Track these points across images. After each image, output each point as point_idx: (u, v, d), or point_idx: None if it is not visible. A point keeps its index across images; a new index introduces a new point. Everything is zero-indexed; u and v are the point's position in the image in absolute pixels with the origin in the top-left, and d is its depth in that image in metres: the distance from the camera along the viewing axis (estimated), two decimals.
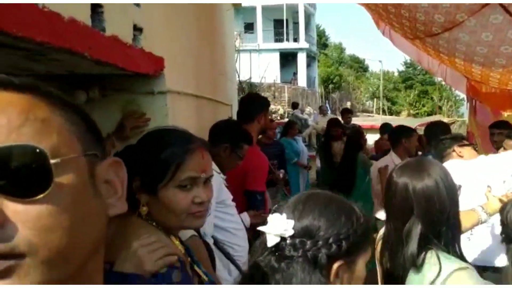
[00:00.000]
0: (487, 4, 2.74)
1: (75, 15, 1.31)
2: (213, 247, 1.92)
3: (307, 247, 0.81)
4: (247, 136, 2.29)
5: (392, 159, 3.43)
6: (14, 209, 0.38)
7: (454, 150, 2.39)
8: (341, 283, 0.84)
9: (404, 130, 3.65)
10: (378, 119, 16.60)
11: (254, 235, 2.49)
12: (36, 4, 1.11)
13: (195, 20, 2.86)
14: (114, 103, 2.08)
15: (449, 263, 1.22)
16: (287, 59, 24.48)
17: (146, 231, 1.01)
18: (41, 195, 0.39)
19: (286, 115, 16.32)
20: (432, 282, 1.19)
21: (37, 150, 0.40)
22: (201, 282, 1.06)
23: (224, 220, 2.05)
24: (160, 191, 1.02)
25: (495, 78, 4.10)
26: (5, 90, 0.43)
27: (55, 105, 0.46)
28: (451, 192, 1.29)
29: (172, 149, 1.04)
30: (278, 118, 16.61)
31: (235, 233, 2.09)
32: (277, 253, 0.84)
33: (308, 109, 15.96)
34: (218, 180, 2.01)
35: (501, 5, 2.71)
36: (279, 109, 18.10)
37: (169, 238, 1.07)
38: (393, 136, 3.70)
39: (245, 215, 2.30)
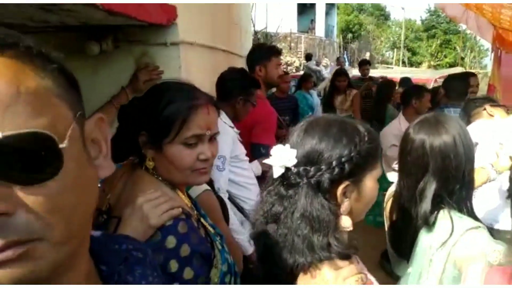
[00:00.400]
0: None
1: None
2: (227, 201, 1.97)
3: (310, 174, 0.83)
4: (255, 80, 2.25)
5: (399, 125, 3.34)
6: (24, 195, 0.37)
7: (485, 109, 2.33)
8: (350, 202, 0.87)
9: (415, 90, 3.55)
10: (397, 71, 16.12)
11: None
12: None
13: None
14: (128, 55, 2.06)
15: (461, 222, 1.22)
16: (305, 6, 23.51)
17: (151, 185, 1.03)
18: (51, 180, 0.38)
19: (301, 67, 15.98)
20: (445, 242, 1.20)
21: (46, 136, 0.38)
22: (207, 234, 1.08)
23: (238, 174, 2.08)
24: (165, 147, 1.02)
25: None
26: None
27: (38, 67, 0.41)
28: (468, 149, 1.27)
29: (177, 104, 1.02)
30: (294, 70, 16.28)
31: (248, 187, 2.13)
32: (284, 182, 0.86)
33: (325, 61, 15.50)
34: (232, 134, 2.02)
35: None
36: (294, 61, 17.68)
37: (175, 192, 1.08)
38: (403, 97, 3.61)
39: (256, 163, 2.32)
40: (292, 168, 0.84)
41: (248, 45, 4.63)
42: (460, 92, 3.12)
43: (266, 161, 0.87)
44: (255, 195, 2.18)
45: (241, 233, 1.94)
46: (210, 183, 1.53)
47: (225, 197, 1.93)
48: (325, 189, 0.83)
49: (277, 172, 0.85)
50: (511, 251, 1.12)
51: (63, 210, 0.40)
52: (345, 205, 0.87)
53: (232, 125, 2.09)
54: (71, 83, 0.46)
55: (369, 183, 0.89)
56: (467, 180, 1.28)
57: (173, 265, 0.92)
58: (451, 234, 1.20)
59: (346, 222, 0.87)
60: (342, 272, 0.82)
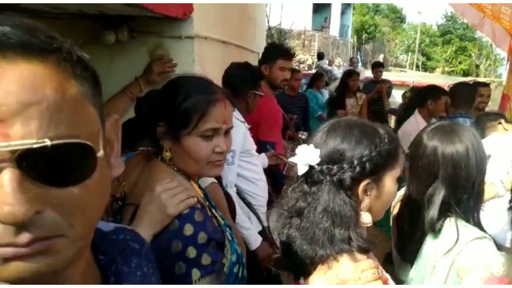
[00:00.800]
0: None
1: None
2: (236, 196, 1.99)
3: (333, 172, 0.88)
4: (259, 71, 2.26)
5: (416, 121, 3.29)
6: (54, 195, 0.39)
7: (500, 123, 2.32)
8: (370, 200, 0.92)
9: (432, 91, 3.46)
10: (411, 75, 15.98)
11: (274, 186, 2.55)
12: None
13: None
14: (143, 45, 2.07)
15: (467, 231, 1.22)
16: (321, 4, 23.36)
17: (168, 175, 1.06)
18: (81, 183, 0.40)
19: (314, 65, 15.91)
20: (449, 250, 1.21)
21: (87, 146, 0.40)
22: (218, 224, 1.11)
23: (247, 169, 2.10)
24: (183, 139, 1.06)
25: None
26: (27, 58, 0.37)
27: (78, 73, 0.42)
28: (480, 160, 1.26)
29: (196, 98, 1.05)
30: (306, 68, 16.21)
31: (256, 183, 2.14)
32: (308, 180, 0.91)
33: (338, 61, 15.43)
34: (243, 129, 2.04)
35: None
36: (307, 59, 17.61)
37: (190, 182, 1.11)
38: (419, 95, 3.53)
39: (263, 156, 2.34)
40: (316, 166, 0.89)
41: (261, 41, 4.63)
42: (467, 100, 3.05)
43: (291, 159, 0.92)
44: (263, 191, 2.20)
45: (248, 228, 1.96)
46: (218, 178, 1.55)
47: (233, 191, 1.95)
48: (347, 186, 0.88)
49: (301, 170, 0.90)
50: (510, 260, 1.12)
51: (86, 210, 0.42)
52: (366, 202, 0.91)
53: (243, 120, 2.11)
54: (99, 87, 0.47)
55: (389, 182, 0.94)
56: (476, 191, 1.28)
57: (192, 252, 0.95)
58: (456, 242, 1.20)
59: (366, 218, 0.92)
60: (361, 264, 0.86)
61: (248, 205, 2.09)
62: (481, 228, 1.27)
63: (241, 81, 2.12)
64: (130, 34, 2.03)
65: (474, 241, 1.19)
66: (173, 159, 1.09)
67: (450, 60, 28.46)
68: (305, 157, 0.89)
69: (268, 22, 11.50)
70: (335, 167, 0.88)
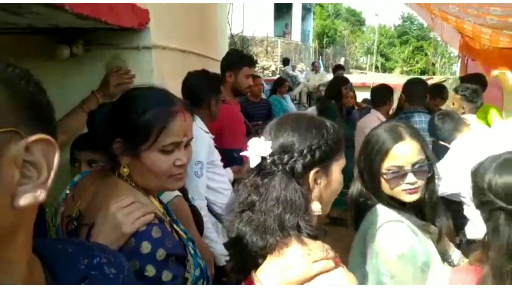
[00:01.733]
0: None
1: None
2: (206, 209, 1.96)
3: (285, 161, 0.93)
4: (218, 76, 2.25)
5: (377, 117, 3.45)
6: None
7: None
8: (319, 188, 0.97)
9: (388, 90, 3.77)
10: (371, 77, 16.48)
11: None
12: None
13: None
14: (99, 58, 2.03)
15: (383, 216, 1.28)
16: (282, 10, 23.70)
17: (124, 192, 1.02)
18: None
19: (278, 71, 16.08)
20: (366, 233, 1.28)
21: None
22: (180, 239, 1.09)
23: (214, 180, 2.08)
24: (143, 154, 1.03)
25: (486, 34, 4.07)
26: None
27: None
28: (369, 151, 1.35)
29: (154, 111, 1.02)
30: (270, 74, 16.35)
31: (224, 193, 2.12)
32: (260, 172, 0.95)
33: (300, 66, 15.70)
34: (207, 140, 2.02)
35: None
36: (271, 65, 17.79)
37: (148, 198, 1.08)
38: (377, 96, 3.75)
39: (229, 171, 2.33)
40: (268, 157, 0.93)
41: (224, 49, 4.63)
42: (420, 96, 3.29)
43: (243, 152, 0.95)
44: None
45: (217, 242, 1.93)
46: (182, 191, 1.52)
47: (204, 204, 1.92)
48: (299, 174, 0.93)
49: (254, 161, 0.94)
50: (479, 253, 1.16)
51: None
52: (316, 191, 0.97)
53: (207, 130, 2.09)
54: (20, 101, 0.43)
55: (336, 171, 1.00)
56: (377, 179, 1.32)
57: (150, 270, 0.92)
58: (372, 225, 1.26)
59: (316, 207, 0.96)
60: (309, 245, 0.89)
61: (218, 217, 2.06)
62: (401, 212, 1.30)
63: (201, 89, 2.09)
64: (85, 47, 1.98)
65: (387, 224, 1.24)
66: (132, 174, 1.05)
67: (408, 60, 29.52)
68: (257, 149, 0.93)
69: (230, 29, 11.52)
70: (286, 156, 0.93)
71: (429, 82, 5.19)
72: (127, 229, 0.94)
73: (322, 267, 0.87)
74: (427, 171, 1.27)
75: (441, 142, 2.50)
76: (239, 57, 2.79)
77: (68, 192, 1.13)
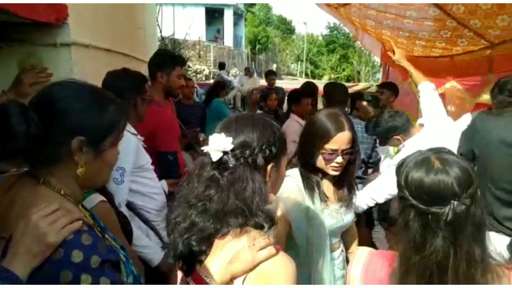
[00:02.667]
0: None
1: None
2: (129, 215, 1.86)
3: (246, 155, 1.00)
4: (143, 76, 2.13)
5: (296, 121, 3.57)
6: None
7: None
8: (271, 181, 1.06)
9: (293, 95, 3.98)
10: (301, 83, 17.12)
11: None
12: None
13: None
14: (11, 55, 1.85)
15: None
16: (214, 16, 23.73)
17: (47, 199, 0.94)
18: None
19: (211, 75, 16.04)
20: None
21: None
22: (110, 246, 1.02)
23: (143, 184, 1.98)
24: (106, 150, 1.02)
25: (403, 44, 4.39)
26: None
27: None
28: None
29: (115, 106, 1.03)
30: (203, 79, 16.26)
31: (154, 197, 2.04)
32: (220, 166, 1.00)
33: (234, 70, 15.77)
34: (135, 143, 1.90)
35: None
36: (204, 69, 17.71)
37: (75, 204, 1.00)
38: (293, 99, 3.91)
39: (164, 183, 2.23)
40: (229, 152, 0.99)
41: (153, 51, 4.50)
42: (340, 101, 3.42)
43: (205, 148, 1.00)
44: (161, 205, 2.09)
45: (145, 246, 1.85)
46: (106, 194, 1.43)
47: (125, 210, 1.82)
48: (261, 166, 1.01)
49: (215, 156, 0.99)
50: None
51: None
52: (269, 184, 1.06)
53: (135, 132, 1.98)
54: None
55: (283, 166, 1.11)
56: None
57: (86, 279, 0.86)
58: None
59: (271, 198, 1.05)
60: (254, 234, 0.96)
61: (146, 221, 1.97)
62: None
63: (125, 88, 1.93)
64: None
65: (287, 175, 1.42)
66: (84, 174, 0.98)
67: (335, 68, 31.03)
68: (219, 144, 0.99)
69: (160, 32, 11.25)
70: (247, 151, 1.00)
71: (354, 89, 5.52)
72: (53, 238, 0.85)
73: (267, 254, 0.93)
74: (350, 156, 1.65)
75: (396, 137, 2.63)
76: (170, 57, 2.69)
77: None
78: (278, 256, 0.95)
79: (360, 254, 1.19)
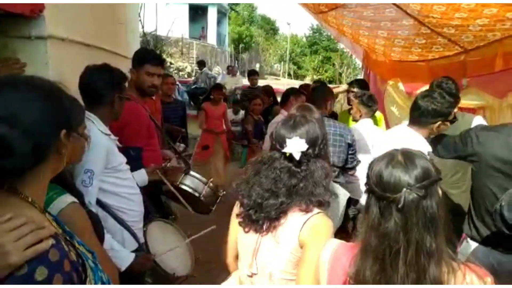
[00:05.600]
0: None
1: None
2: (103, 213, 1.81)
3: (316, 151, 1.40)
4: (123, 73, 2.06)
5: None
6: None
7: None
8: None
9: (294, 91, 4.08)
10: (284, 83, 17.16)
11: (151, 198, 2.40)
12: None
13: None
14: None
15: None
16: (197, 13, 23.51)
17: (13, 209, 0.85)
18: None
19: (194, 73, 15.89)
20: None
21: None
22: (78, 254, 0.97)
23: (117, 185, 1.92)
24: (81, 134, 1.06)
25: (381, 46, 4.44)
26: None
27: None
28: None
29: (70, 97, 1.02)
30: (186, 76, 16.11)
31: (130, 197, 1.98)
32: (295, 162, 1.37)
33: (216, 69, 15.66)
34: (105, 145, 1.81)
35: None
36: (186, 66, 17.54)
37: (44, 214, 0.94)
38: (284, 96, 4.00)
39: (140, 173, 2.18)
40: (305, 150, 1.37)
41: (135, 47, 4.42)
42: (322, 99, 3.39)
43: (286, 150, 1.36)
44: (137, 206, 2.03)
45: (118, 251, 1.79)
46: (77, 195, 1.37)
47: (97, 210, 1.76)
48: (322, 157, 1.43)
49: (297, 156, 1.35)
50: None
51: None
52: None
53: (109, 132, 1.90)
54: None
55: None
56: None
57: None
58: None
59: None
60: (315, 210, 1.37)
61: (121, 222, 1.91)
62: None
63: (103, 84, 1.88)
64: None
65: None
66: (28, 185, 0.91)
67: (317, 69, 31.17)
68: (298, 147, 1.34)
69: (143, 27, 11.08)
70: (316, 148, 1.40)
71: (336, 90, 5.56)
72: (15, 258, 0.78)
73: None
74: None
75: None
76: (141, 54, 2.64)
77: None
78: (323, 213, 1.36)
79: (330, 243, 1.28)
